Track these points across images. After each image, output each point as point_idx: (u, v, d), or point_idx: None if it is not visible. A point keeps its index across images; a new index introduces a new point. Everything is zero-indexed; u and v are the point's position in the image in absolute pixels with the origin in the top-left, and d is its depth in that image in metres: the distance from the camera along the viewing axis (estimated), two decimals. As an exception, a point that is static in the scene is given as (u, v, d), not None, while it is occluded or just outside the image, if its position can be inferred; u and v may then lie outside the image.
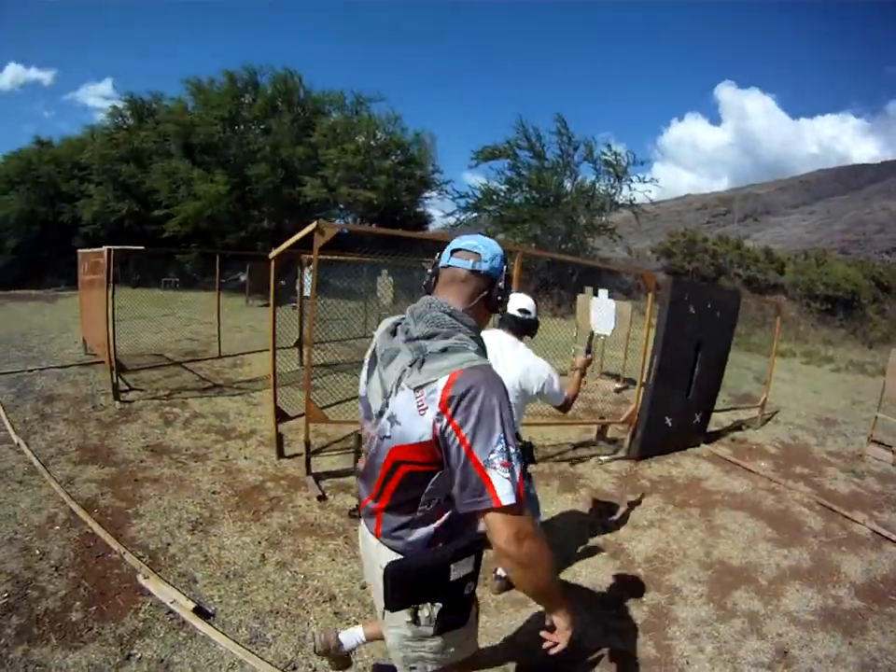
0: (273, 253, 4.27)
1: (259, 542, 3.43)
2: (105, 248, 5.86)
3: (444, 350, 1.28)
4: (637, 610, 3.02)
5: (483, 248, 1.43)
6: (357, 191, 19.30)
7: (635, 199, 19.93)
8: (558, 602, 1.39)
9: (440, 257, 1.49)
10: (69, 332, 9.51)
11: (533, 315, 2.70)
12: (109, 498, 3.80)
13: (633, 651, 2.70)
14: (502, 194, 20.64)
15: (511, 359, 2.56)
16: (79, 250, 8.69)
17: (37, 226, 22.30)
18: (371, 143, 20.56)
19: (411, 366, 1.29)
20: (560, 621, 1.40)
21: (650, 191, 19.81)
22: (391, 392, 1.33)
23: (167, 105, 21.62)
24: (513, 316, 2.66)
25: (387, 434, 1.33)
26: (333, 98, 21.84)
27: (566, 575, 3.31)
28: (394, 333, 1.43)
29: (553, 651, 1.39)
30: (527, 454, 2.43)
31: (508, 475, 1.20)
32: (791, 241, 44.68)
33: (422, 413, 1.24)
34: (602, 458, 5.18)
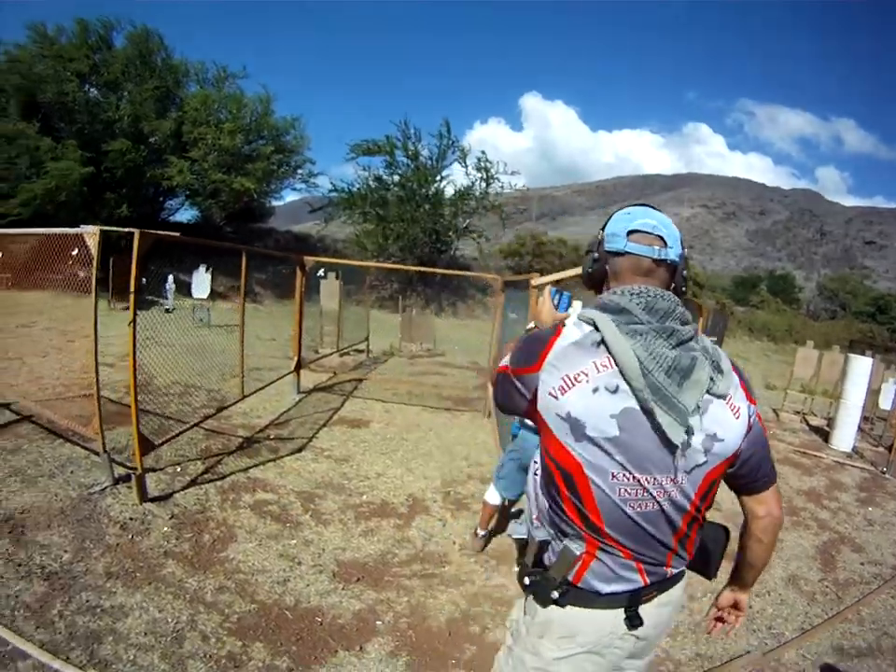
0: (538, 280, 4.03)
1: None
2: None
3: (714, 344, 1.19)
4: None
5: (665, 230, 1.19)
6: (230, 178, 17.13)
7: (500, 203, 21.28)
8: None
9: (602, 238, 1.24)
10: None
11: None
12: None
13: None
14: (376, 192, 20.35)
15: None
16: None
17: None
18: (246, 123, 18.53)
19: (716, 372, 1.12)
20: (746, 598, 1.42)
21: (516, 195, 21.89)
22: (693, 411, 1.07)
23: (9, 51, 16.18)
24: None
25: (701, 461, 1.12)
26: (195, 68, 18.88)
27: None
28: (632, 338, 1.09)
29: (731, 631, 1.43)
30: None
31: None
32: (587, 238, 52.14)
33: (738, 416, 1.14)
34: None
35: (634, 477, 1.09)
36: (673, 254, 1.17)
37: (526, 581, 1.24)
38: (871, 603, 3.49)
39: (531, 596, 1.25)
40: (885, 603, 3.53)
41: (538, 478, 1.24)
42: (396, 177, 20.52)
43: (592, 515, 1.12)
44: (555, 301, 1.56)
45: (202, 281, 10.52)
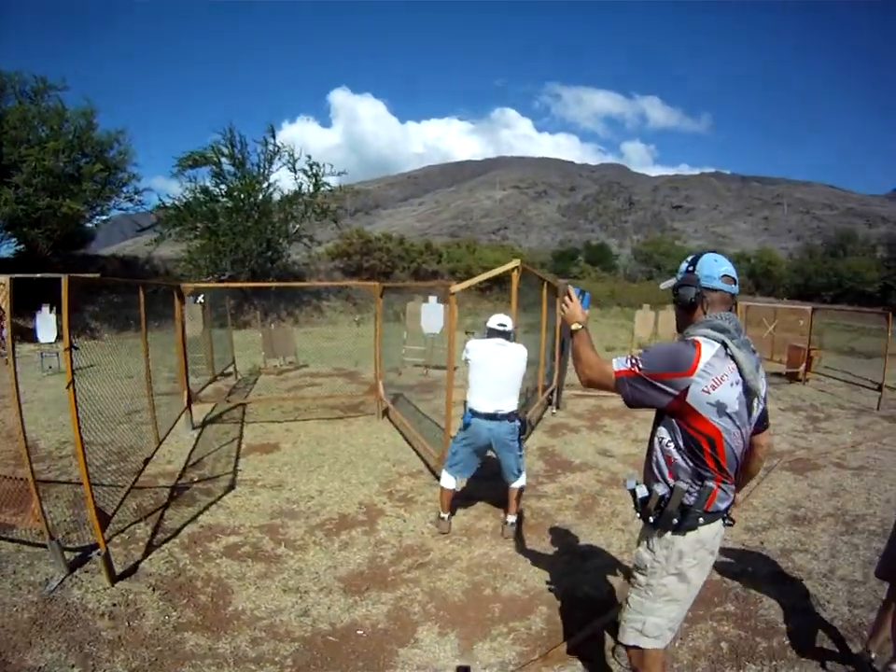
0: (456, 288, 4.31)
1: None
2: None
3: None
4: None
5: (736, 274, 1.88)
6: (57, 202, 15.12)
7: (329, 206, 21.35)
8: None
9: (696, 277, 1.83)
10: None
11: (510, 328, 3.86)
12: None
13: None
14: (205, 205, 19.12)
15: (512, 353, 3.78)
16: None
17: None
18: (69, 140, 16.34)
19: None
20: (740, 496, 2.33)
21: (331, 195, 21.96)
22: (761, 389, 1.78)
23: None
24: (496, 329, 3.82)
25: (756, 414, 1.82)
26: (11, 80, 16.27)
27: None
28: (740, 350, 1.73)
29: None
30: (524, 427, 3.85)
31: None
32: (403, 230, 53.27)
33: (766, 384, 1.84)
34: (554, 412, 7.53)
35: (740, 432, 1.76)
36: (738, 289, 1.88)
37: (675, 521, 1.77)
38: (757, 495, 4.72)
39: (668, 533, 1.80)
40: (767, 493, 4.80)
41: (671, 449, 1.79)
42: (223, 188, 19.45)
43: (722, 461, 1.74)
44: (580, 301, 2.07)
45: (47, 323, 8.97)
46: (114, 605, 3.00)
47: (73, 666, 2.54)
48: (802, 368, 10.52)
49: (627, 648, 1.96)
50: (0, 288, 2.99)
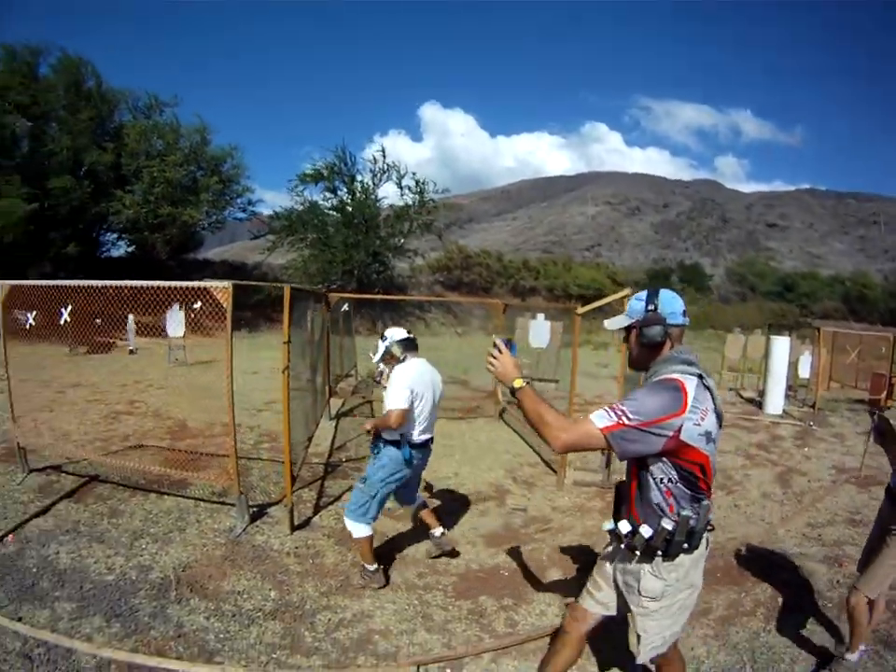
0: (581, 310, 4.99)
1: None
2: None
3: None
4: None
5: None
6: (178, 210, 17.20)
7: (434, 221, 22.50)
8: None
9: (662, 315, 1.85)
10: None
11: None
12: None
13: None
14: (317, 218, 20.86)
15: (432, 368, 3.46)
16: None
17: None
18: (184, 154, 18.59)
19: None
20: None
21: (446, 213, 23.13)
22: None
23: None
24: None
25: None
26: (124, 96, 18.67)
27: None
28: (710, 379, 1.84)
29: None
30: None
31: None
32: (497, 245, 53.06)
33: None
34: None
35: (715, 449, 1.83)
36: None
37: (685, 545, 1.82)
38: (822, 500, 5.28)
39: (680, 556, 1.84)
40: (831, 500, 5.38)
41: (667, 483, 1.81)
42: (333, 202, 21.14)
43: (710, 481, 1.84)
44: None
45: (176, 319, 10.65)
46: (296, 547, 3.73)
47: (270, 590, 3.19)
48: (883, 395, 10.20)
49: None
50: (223, 292, 3.67)
